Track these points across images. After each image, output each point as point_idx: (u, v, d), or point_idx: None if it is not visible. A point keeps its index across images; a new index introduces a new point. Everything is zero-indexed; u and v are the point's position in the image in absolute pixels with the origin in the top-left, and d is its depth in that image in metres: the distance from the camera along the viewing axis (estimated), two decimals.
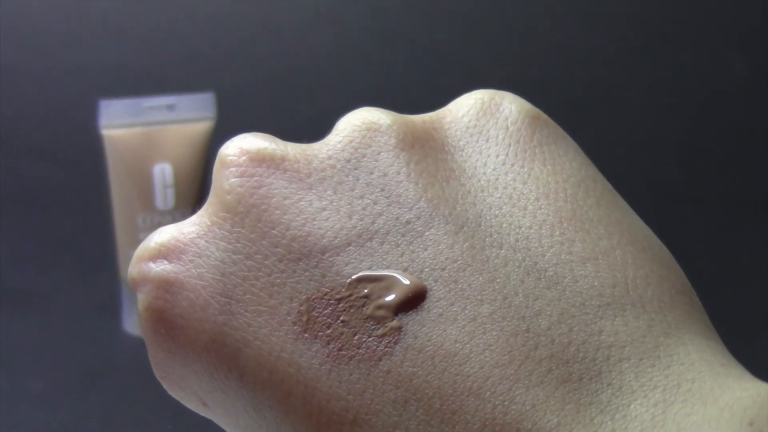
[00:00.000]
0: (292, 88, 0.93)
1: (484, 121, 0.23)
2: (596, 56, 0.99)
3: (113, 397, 0.67)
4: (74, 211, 0.86)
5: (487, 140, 0.23)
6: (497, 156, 0.22)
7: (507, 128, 0.23)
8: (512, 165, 0.22)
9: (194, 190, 0.72)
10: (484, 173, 0.22)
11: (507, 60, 0.98)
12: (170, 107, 0.73)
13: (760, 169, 0.95)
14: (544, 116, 0.24)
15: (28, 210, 0.87)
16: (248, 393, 0.20)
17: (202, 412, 0.22)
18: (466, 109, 0.24)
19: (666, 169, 0.93)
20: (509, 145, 0.23)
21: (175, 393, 0.23)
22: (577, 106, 0.96)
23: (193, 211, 0.23)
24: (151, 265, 0.22)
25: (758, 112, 0.97)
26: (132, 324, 0.74)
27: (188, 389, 0.22)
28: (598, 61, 0.99)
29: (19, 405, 0.66)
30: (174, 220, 0.71)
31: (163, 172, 0.72)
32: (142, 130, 0.72)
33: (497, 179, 0.22)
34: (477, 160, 0.22)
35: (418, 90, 0.95)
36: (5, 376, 0.68)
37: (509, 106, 0.23)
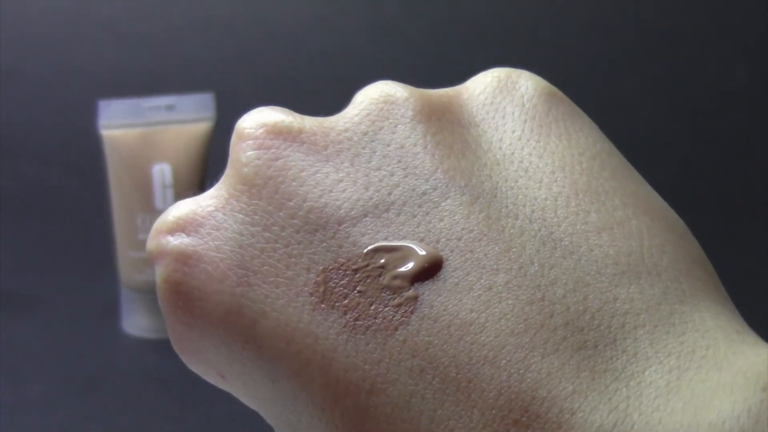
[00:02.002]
0: (292, 89, 0.93)
1: (500, 98, 0.23)
2: (597, 61, 0.99)
3: (113, 399, 0.67)
4: (73, 212, 0.86)
5: (503, 117, 0.23)
6: (513, 132, 0.22)
7: (523, 105, 0.23)
8: (528, 140, 0.22)
9: (193, 191, 0.72)
10: (500, 148, 0.22)
11: (508, 63, 0.98)
12: (169, 107, 0.73)
13: (762, 174, 0.94)
14: (560, 93, 0.24)
15: (27, 211, 0.87)
16: (266, 364, 0.20)
17: (221, 384, 0.22)
18: (483, 86, 0.24)
19: (667, 174, 0.93)
20: (525, 121, 0.23)
21: (193, 366, 0.23)
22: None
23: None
24: (169, 238, 0.22)
25: (760, 117, 0.97)
26: (132, 325, 0.74)
27: (206, 362, 0.22)
28: (599, 65, 0.99)
29: (19, 408, 0.65)
30: None
31: (162, 172, 0.72)
32: (142, 131, 0.71)
33: (513, 154, 0.22)
34: (493, 135, 0.22)
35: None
36: (5, 379, 0.68)
37: (526, 83, 0.24)
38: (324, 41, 0.97)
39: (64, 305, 0.76)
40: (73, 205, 0.87)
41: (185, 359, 0.23)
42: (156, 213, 0.72)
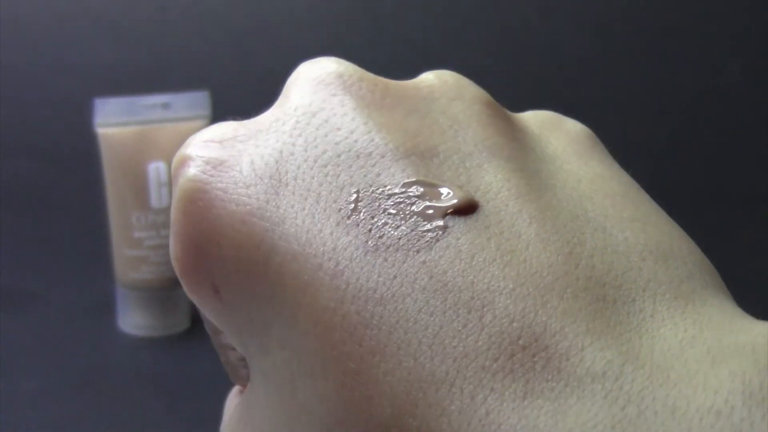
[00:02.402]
0: None
1: (548, 126, 0.25)
2: (592, 57, 0.99)
3: (108, 396, 0.67)
4: (69, 210, 0.86)
5: (548, 138, 0.24)
6: (556, 148, 0.24)
7: (569, 135, 0.24)
8: (571, 155, 0.23)
9: None
10: (543, 153, 0.23)
11: (503, 58, 0.98)
12: (165, 105, 0.73)
13: (756, 170, 0.95)
14: (600, 141, 0.25)
15: (22, 209, 0.87)
16: (274, 269, 0.20)
17: (210, 303, 0.22)
18: (532, 115, 0.25)
19: (662, 170, 0.93)
20: (569, 144, 0.24)
21: (187, 277, 0.22)
22: (572, 106, 0.96)
23: None
24: (203, 146, 0.22)
25: (754, 114, 0.97)
26: (127, 323, 0.74)
27: (204, 272, 0.22)
28: (595, 61, 0.99)
29: (13, 405, 0.65)
30: (169, 218, 0.70)
31: (157, 170, 0.72)
32: (137, 129, 0.71)
33: (555, 160, 0.23)
34: (538, 143, 0.24)
35: None
36: (0, 376, 0.68)
37: (572, 123, 0.25)
38: (320, 38, 0.97)
39: (60, 303, 0.76)
40: (68, 203, 0.87)
41: (181, 268, 0.22)
42: (151, 211, 0.72)
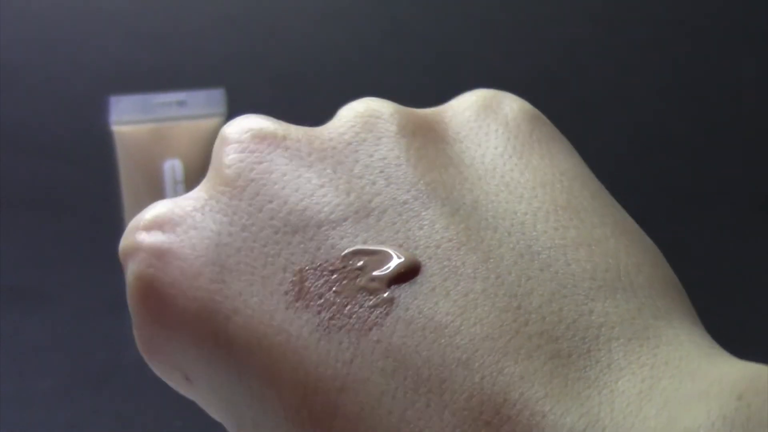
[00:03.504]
0: (303, 84, 0.93)
1: (484, 116, 0.24)
2: (602, 56, 0.99)
3: (121, 394, 0.67)
4: (84, 208, 0.86)
5: (487, 134, 0.23)
6: (496, 148, 0.23)
7: (507, 124, 0.23)
8: (510, 156, 0.23)
9: None
10: (482, 163, 0.23)
11: (515, 58, 0.98)
12: (180, 103, 0.73)
13: (764, 170, 0.94)
14: (543, 117, 0.24)
15: (38, 207, 0.87)
16: (236, 362, 0.20)
17: (183, 388, 0.22)
18: (468, 104, 0.24)
19: (669, 169, 0.92)
20: (508, 138, 0.23)
21: (158, 368, 0.22)
22: (582, 105, 0.95)
23: None
24: (144, 235, 0.22)
25: (765, 112, 0.96)
26: None
27: (172, 363, 0.22)
28: (604, 60, 0.99)
29: (27, 404, 0.66)
30: None
31: (173, 168, 0.71)
32: (153, 127, 0.71)
33: (495, 169, 0.22)
34: (476, 151, 0.23)
35: (427, 87, 0.94)
36: (13, 374, 0.68)
37: (510, 104, 0.24)
38: (334, 37, 0.97)
39: (74, 300, 0.76)
40: (83, 201, 0.87)
41: (150, 360, 0.22)
42: None
